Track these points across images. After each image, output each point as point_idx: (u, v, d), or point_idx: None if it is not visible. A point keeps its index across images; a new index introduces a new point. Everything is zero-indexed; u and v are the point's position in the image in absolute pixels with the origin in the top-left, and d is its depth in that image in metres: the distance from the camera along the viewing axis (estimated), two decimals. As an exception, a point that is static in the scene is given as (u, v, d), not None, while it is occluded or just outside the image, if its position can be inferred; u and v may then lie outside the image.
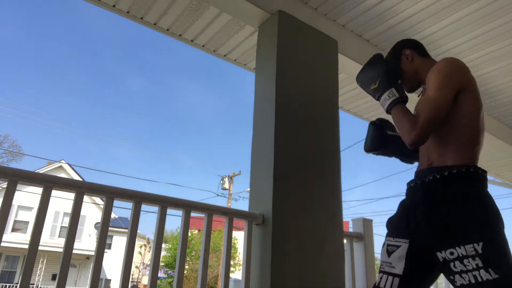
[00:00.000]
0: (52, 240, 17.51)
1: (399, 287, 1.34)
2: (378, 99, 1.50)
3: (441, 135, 1.38)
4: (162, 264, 18.52)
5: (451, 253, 1.24)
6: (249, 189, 2.23)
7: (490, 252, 1.19)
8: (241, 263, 14.42)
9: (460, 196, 1.30)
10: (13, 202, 1.59)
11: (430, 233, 1.32)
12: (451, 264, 1.23)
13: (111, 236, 19.95)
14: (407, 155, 1.64)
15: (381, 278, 1.40)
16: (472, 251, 1.20)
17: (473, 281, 1.18)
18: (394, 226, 1.46)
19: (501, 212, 1.29)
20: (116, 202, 1.76)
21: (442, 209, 1.32)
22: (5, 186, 1.50)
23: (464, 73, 1.40)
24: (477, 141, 1.36)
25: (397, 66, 1.59)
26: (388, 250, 1.42)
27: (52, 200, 1.57)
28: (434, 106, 1.32)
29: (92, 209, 19.15)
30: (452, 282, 1.23)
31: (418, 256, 1.34)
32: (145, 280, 20.33)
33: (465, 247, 1.21)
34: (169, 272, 19.04)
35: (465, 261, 1.20)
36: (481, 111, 1.40)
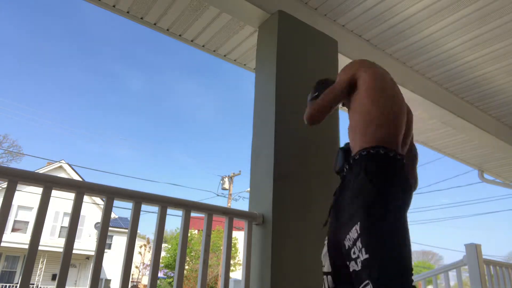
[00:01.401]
0: (52, 240, 17.50)
1: (334, 284, 1.35)
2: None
3: (350, 122, 1.50)
4: (162, 265, 18.51)
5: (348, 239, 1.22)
6: (249, 189, 2.23)
7: (365, 231, 1.16)
8: (241, 263, 14.41)
9: (352, 179, 1.31)
10: (13, 202, 1.59)
11: (331, 223, 1.40)
12: (351, 251, 1.20)
13: (111, 236, 19.94)
14: None
15: (322, 280, 1.43)
16: (355, 232, 1.18)
17: (356, 267, 1.15)
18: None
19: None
20: (116, 202, 1.76)
21: (336, 197, 1.39)
22: (5, 186, 1.50)
23: (356, 63, 1.60)
24: (380, 123, 1.36)
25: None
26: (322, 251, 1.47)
27: (52, 200, 1.57)
28: (329, 90, 1.61)
29: (92, 209, 19.14)
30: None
31: (336, 249, 1.32)
32: (145, 280, 20.33)
33: (351, 231, 1.19)
34: (169, 273, 19.03)
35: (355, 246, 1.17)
36: (382, 91, 1.43)
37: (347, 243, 1.21)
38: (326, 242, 1.45)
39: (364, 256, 1.12)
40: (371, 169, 1.27)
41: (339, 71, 2.60)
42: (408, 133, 1.53)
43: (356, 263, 1.15)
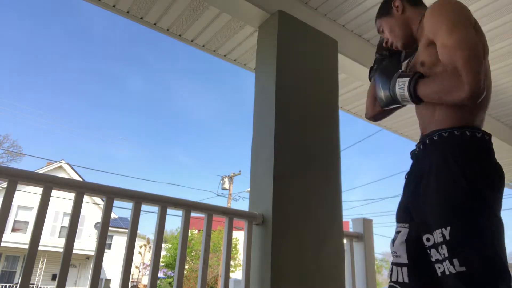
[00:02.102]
0: (52, 240, 17.50)
1: (409, 277, 1.19)
2: (397, 101, 1.31)
3: None
4: (162, 264, 18.51)
5: (428, 239, 1.11)
6: (249, 189, 2.23)
7: (457, 239, 1.02)
8: (241, 263, 14.42)
9: (440, 166, 1.11)
10: (13, 202, 1.59)
11: (410, 212, 1.22)
12: (431, 252, 1.10)
13: (111, 236, 19.94)
14: None
15: (391, 270, 1.27)
16: (441, 237, 1.05)
17: (438, 273, 1.05)
18: (398, 209, 1.33)
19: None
20: (116, 202, 1.76)
21: (423, 183, 1.16)
22: (5, 186, 1.50)
23: (469, 11, 1.21)
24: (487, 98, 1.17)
25: (386, 59, 1.45)
26: (393, 238, 1.29)
27: (52, 200, 1.57)
28: (470, 46, 1.07)
29: (92, 209, 19.14)
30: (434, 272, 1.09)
31: (417, 244, 1.19)
32: (145, 280, 20.33)
33: (436, 232, 1.07)
34: (169, 272, 19.02)
35: (438, 248, 1.06)
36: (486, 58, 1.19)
37: (432, 240, 1.09)
38: (401, 230, 1.27)
39: (457, 268, 1.00)
40: (465, 158, 1.09)
41: (339, 71, 2.62)
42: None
43: (446, 266, 1.03)
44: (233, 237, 1.99)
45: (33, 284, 16.58)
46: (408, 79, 1.22)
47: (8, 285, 16.80)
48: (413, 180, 1.25)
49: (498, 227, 1.05)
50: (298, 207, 2.04)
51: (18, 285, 1.44)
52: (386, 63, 1.44)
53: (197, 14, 2.70)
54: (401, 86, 1.24)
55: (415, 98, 1.22)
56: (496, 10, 2.56)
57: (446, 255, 1.02)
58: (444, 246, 1.03)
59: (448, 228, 1.04)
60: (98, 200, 18.56)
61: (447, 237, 1.03)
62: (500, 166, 1.18)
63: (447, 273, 1.02)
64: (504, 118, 4.06)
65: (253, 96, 2.40)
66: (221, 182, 18.76)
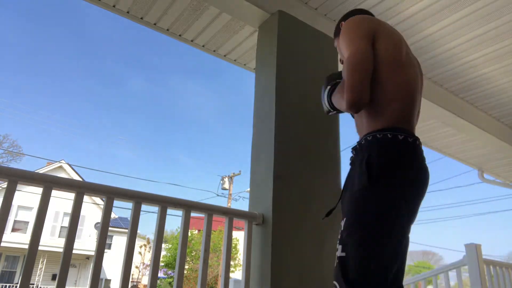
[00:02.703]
0: (52, 240, 17.50)
1: None
2: (330, 110, 1.46)
3: None
4: (162, 264, 18.51)
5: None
6: (249, 189, 2.23)
7: (346, 230, 1.12)
8: (241, 263, 14.40)
9: (357, 165, 1.18)
10: (13, 202, 1.59)
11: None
12: None
13: (111, 236, 19.94)
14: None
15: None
16: (342, 226, 1.16)
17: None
18: None
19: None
20: (116, 202, 1.76)
21: (345, 183, 1.28)
22: (5, 186, 1.50)
23: (372, 20, 1.30)
24: (400, 98, 1.19)
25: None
26: None
27: (52, 200, 1.57)
28: (353, 60, 1.17)
29: (92, 209, 19.14)
30: None
31: None
32: (145, 280, 20.33)
33: (342, 221, 1.18)
34: (169, 272, 19.03)
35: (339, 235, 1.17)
36: (402, 61, 1.22)
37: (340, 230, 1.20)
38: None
39: (340, 253, 1.11)
40: (373, 160, 1.13)
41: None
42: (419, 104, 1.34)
43: (338, 250, 1.14)
44: (233, 237, 1.99)
45: (33, 284, 16.57)
46: (326, 91, 1.40)
47: (8, 285, 16.80)
48: (346, 183, 1.33)
49: (386, 225, 1.10)
50: (298, 207, 2.04)
51: (18, 285, 1.44)
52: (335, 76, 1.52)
53: (197, 14, 2.70)
54: (323, 98, 1.45)
55: (331, 109, 1.40)
56: (496, 10, 2.56)
57: (338, 241, 1.15)
58: (340, 233, 1.16)
59: (345, 219, 1.16)
60: (98, 200, 18.55)
61: (342, 227, 1.15)
62: (421, 167, 1.19)
63: (337, 255, 1.14)
64: (504, 118, 4.06)
65: (253, 96, 2.40)
66: (221, 182, 18.77)
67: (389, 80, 1.18)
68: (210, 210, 1.90)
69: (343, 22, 1.50)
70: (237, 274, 17.13)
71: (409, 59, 1.29)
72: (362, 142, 1.21)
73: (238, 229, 13.36)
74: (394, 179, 1.13)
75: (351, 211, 1.14)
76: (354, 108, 1.16)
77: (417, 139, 1.20)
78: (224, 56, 3.13)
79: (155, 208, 1.87)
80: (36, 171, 1.63)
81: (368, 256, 1.07)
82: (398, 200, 1.13)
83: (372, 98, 1.18)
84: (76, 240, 1.64)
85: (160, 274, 18.66)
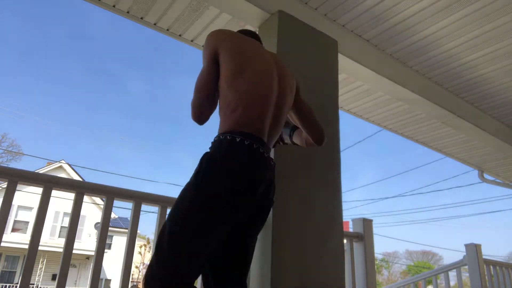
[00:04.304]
0: (52, 240, 17.50)
1: None
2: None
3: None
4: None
5: None
6: (249, 189, 2.23)
7: (161, 233, 1.13)
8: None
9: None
10: (13, 202, 1.59)
11: None
12: None
13: (111, 236, 19.93)
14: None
15: None
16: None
17: None
18: None
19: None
20: (116, 202, 1.76)
21: None
22: (5, 186, 1.51)
23: (218, 35, 1.34)
24: (243, 105, 1.23)
25: None
26: None
27: (52, 200, 1.57)
28: (197, 82, 1.32)
29: (92, 209, 19.14)
30: None
31: None
32: (145, 280, 20.26)
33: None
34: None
35: None
36: (244, 68, 1.27)
37: None
38: None
39: (152, 254, 1.14)
40: (208, 160, 1.18)
41: (339, 71, 2.62)
42: (289, 101, 1.42)
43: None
44: (233, 237, 1.99)
45: (33, 284, 16.57)
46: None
47: (8, 285, 16.80)
48: None
49: (188, 231, 1.10)
50: (298, 207, 2.04)
51: (18, 285, 1.44)
52: None
53: (197, 14, 2.70)
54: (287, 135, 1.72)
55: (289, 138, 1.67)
56: (495, 10, 2.56)
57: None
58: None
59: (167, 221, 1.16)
60: (98, 200, 18.54)
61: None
62: (247, 171, 1.17)
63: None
64: (504, 118, 4.06)
65: (253, 96, 2.39)
66: (221, 182, 18.72)
67: (231, 90, 1.25)
68: (210, 210, 1.89)
69: None
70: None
71: (255, 67, 1.31)
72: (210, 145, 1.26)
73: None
74: (212, 179, 1.14)
75: (176, 200, 1.18)
76: (197, 122, 1.33)
77: (256, 142, 1.20)
78: (224, 56, 3.13)
79: (155, 208, 1.88)
80: (36, 171, 1.63)
81: (172, 252, 1.10)
82: (210, 199, 1.12)
83: (221, 106, 1.28)
84: (76, 240, 1.64)
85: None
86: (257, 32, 2.61)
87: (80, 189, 1.64)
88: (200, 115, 1.31)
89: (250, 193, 1.17)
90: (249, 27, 2.76)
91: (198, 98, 1.30)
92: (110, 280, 19.67)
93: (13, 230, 17.51)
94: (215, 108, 1.36)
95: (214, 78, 1.30)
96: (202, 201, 1.12)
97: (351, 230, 2.76)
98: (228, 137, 1.19)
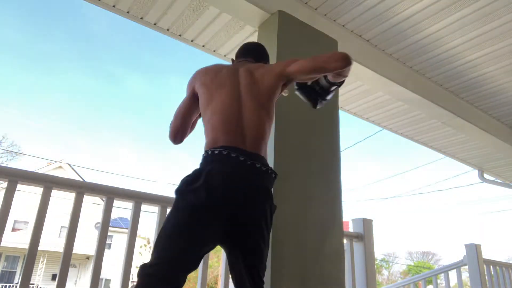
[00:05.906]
0: (52, 240, 17.50)
1: None
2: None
3: None
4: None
5: None
6: (249, 189, 2.22)
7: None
8: (241, 263, 14.32)
9: None
10: (13, 202, 1.59)
11: None
12: None
13: (111, 236, 19.93)
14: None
15: None
16: None
17: None
18: None
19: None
20: (116, 202, 1.76)
21: None
22: (5, 186, 1.51)
23: (195, 75, 1.55)
24: (212, 127, 1.40)
25: None
26: None
27: (53, 200, 1.57)
28: (176, 109, 1.55)
29: (92, 209, 19.14)
30: None
31: None
32: (145, 280, 20.25)
33: None
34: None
35: None
36: (210, 98, 1.46)
37: None
38: None
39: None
40: (196, 173, 1.32)
41: (339, 71, 2.61)
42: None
43: None
44: (233, 237, 1.98)
45: (33, 284, 16.57)
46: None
47: (8, 285, 16.80)
48: None
49: (166, 234, 1.24)
50: (298, 207, 2.04)
51: (18, 285, 1.44)
52: None
53: (197, 14, 2.70)
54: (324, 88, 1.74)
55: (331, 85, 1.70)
56: (496, 10, 2.56)
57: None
58: None
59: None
60: (98, 200, 18.55)
61: None
62: (208, 177, 1.29)
63: None
64: (504, 118, 4.06)
65: (253, 96, 2.39)
66: (221, 182, 18.73)
67: (205, 117, 1.46)
68: (210, 210, 1.89)
69: None
70: (237, 274, 17.07)
71: (220, 97, 1.46)
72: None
73: (238, 229, 13.31)
74: (186, 190, 1.28)
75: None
76: (172, 142, 1.54)
77: (232, 151, 1.33)
78: (224, 56, 3.13)
79: (155, 208, 1.88)
80: (36, 171, 1.63)
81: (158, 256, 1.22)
82: (183, 210, 1.25)
83: (204, 129, 1.47)
84: (76, 240, 1.64)
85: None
86: (256, 32, 2.62)
87: (80, 189, 1.64)
88: (174, 139, 1.54)
89: (221, 202, 1.27)
90: (249, 27, 2.76)
91: (174, 123, 1.53)
92: (110, 280, 19.67)
93: (13, 230, 17.52)
94: (189, 133, 1.59)
95: (189, 111, 1.54)
96: (176, 209, 1.28)
97: (351, 230, 2.76)
98: (204, 154, 1.37)
